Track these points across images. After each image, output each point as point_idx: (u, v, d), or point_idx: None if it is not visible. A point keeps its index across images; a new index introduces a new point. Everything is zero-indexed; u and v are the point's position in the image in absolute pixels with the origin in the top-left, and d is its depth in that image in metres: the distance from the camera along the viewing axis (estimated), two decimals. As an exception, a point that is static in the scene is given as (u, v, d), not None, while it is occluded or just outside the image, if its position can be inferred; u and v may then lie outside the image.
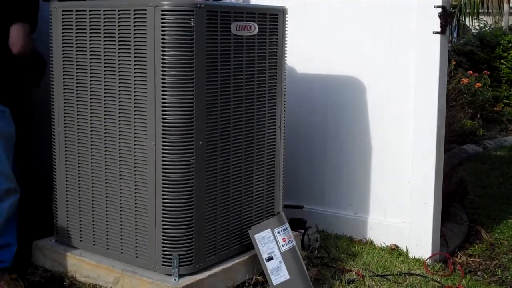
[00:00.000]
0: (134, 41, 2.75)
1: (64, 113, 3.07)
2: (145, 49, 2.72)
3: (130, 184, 2.87)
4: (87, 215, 3.06)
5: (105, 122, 2.91)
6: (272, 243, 3.05)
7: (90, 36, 2.91)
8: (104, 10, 2.84)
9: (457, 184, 4.67)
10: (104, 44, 2.86)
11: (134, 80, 2.78)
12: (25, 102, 3.26)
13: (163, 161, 2.74)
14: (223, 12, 2.82)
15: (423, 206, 3.58)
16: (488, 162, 6.36)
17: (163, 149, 2.73)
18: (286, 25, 3.19)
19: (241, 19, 2.91)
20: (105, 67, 2.88)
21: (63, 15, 3.00)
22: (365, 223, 3.86)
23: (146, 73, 2.73)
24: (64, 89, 3.06)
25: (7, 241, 3.01)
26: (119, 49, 2.81)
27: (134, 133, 2.82)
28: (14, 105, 3.12)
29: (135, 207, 2.86)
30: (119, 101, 2.85)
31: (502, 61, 9.11)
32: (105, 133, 2.92)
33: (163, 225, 2.78)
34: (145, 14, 2.70)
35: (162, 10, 2.65)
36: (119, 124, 2.86)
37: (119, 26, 2.79)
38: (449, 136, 5.77)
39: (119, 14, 2.79)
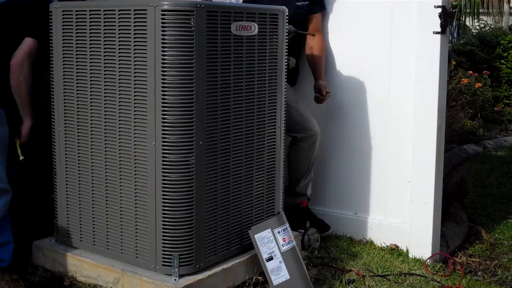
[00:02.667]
0: (134, 41, 2.75)
1: (64, 113, 3.07)
2: (145, 49, 2.72)
3: (130, 184, 2.87)
4: (87, 215, 3.06)
5: (105, 122, 2.91)
6: (272, 243, 3.05)
7: (90, 36, 2.91)
8: (104, 10, 2.84)
9: (457, 184, 4.67)
10: (104, 44, 2.86)
11: (134, 80, 2.78)
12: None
13: (163, 161, 2.74)
14: (223, 12, 2.82)
15: (423, 206, 3.58)
16: (488, 162, 6.36)
17: (163, 149, 2.73)
18: (286, 25, 3.18)
19: (241, 19, 2.91)
20: (105, 67, 2.88)
21: (63, 15, 3.00)
22: (365, 223, 3.86)
23: (146, 73, 2.73)
24: (64, 89, 3.06)
25: (4, 239, 3.00)
26: (119, 49, 2.81)
27: (134, 133, 2.82)
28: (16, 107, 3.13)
29: (135, 207, 2.86)
30: (119, 101, 2.85)
31: (502, 61, 9.11)
32: (105, 133, 2.92)
33: (163, 225, 2.78)
34: (145, 14, 2.70)
35: (162, 10, 2.65)
36: (119, 124, 2.87)
37: (119, 26, 2.79)
38: (449, 136, 5.78)
39: (119, 14, 2.79)
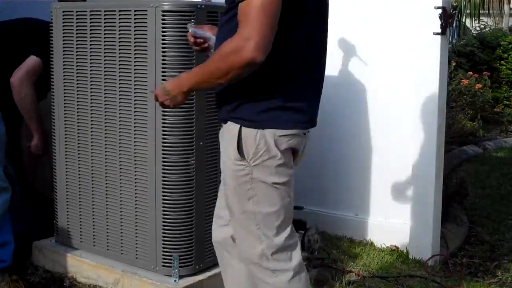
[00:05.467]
0: (135, 42, 2.75)
1: (65, 114, 3.07)
2: (146, 50, 2.72)
3: (130, 185, 2.87)
4: (87, 216, 3.06)
5: (105, 122, 2.91)
6: (272, 244, 3.04)
7: (90, 37, 2.91)
8: (105, 11, 2.84)
9: (457, 185, 4.67)
10: (105, 45, 2.86)
11: (135, 81, 2.78)
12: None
13: (163, 161, 2.74)
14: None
15: (423, 207, 3.58)
16: (488, 163, 6.36)
17: (163, 150, 2.73)
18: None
19: (242, 20, 2.90)
20: (105, 67, 2.88)
21: (63, 15, 3.00)
22: (365, 224, 3.86)
23: (146, 73, 2.73)
24: (64, 89, 3.06)
25: (4, 239, 3.00)
26: (120, 49, 2.81)
27: (135, 134, 2.82)
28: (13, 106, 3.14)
29: (135, 207, 2.86)
30: (120, 102, 2.84)
31: (502, 62, 9.10)
32: (105, 133, 2.92)
33: (163, 226, 2.78)
34: (146, 14, 2.70)
35: (163, 11, 2.65)
36: (120, 124, 2.86)
37: (119, 26, 2.79)
38: (449, 137, 5.78)
39: (119, 15, 2.79)
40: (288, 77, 1.98)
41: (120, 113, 2.85)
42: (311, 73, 2.06)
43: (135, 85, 2.78)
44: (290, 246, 2.11)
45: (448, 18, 3.46)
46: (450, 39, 8.54)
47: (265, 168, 1.99)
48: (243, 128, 1.97)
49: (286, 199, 2.13)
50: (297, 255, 2.11)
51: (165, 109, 2.68)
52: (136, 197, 2.85)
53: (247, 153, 1.98)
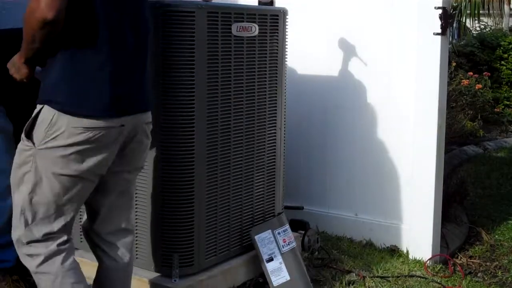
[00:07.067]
0: (135, 42, 2.75)
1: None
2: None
3: (131, 185, 2.86)
4: (87, 216, 3.05)
5: (105, 122, 2.91)
6: (273, 244, 3.05)
7: (90, 37, 2.91)
8: (105, 11, 2.84)
9: (457, 185, 4.67)
10: (105, 45, 2.86)
11: (135, 81, 2.78)
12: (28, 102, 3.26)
13: (163, 161, 2.74)
14: (224, 13, 2.82)
15: (423, 207, 3.58)
16: (488, 163, 6.36)
17: (163, 150, 2.73)
18: (287, 26, 3.19)
19: (242, 20, 2.91)
20: (105, 67, 2.87)
21: (63, 15, 2.99)
22: (366, 224, 3.85)
23: (146, 73, 2.73)
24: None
25: (10, 239, 3.00)
26: (120, 49, 2.80)
27: (135, 134, 2.81)
28: (15, 105, 3.13)
29: (135, 207, 2.86)
30: (120, 102, 2.84)
31: (503, 62, 9.11)
32: (105, 133, 2.92)
33: (163, 225, 2.78)
34: (146, 15, 2.70)
35: (163, 11, 2.65)
36: (120, 124, 2.86)
37: (119, 26, 2.79)
38: (450, 137, 5.78)
39: (119, 15, 2.79)
40: (88, 66, 2.00)
41: (120, 113, 2.85)
42: (118, 61, 2.07)
43: (135, 85, 2.78)
44: (50, 238, 2.15)
45: (448, 18, 3.46)
46: (450, 39, 8.55)
47: (48, 154, 2.02)
48: (44, 107, 2.01)
49: (61, 196, 2.10)
50: (53, 243, 2.15)
51: (166, 109, 2.68)
52: (135, 197, 2.85)
53: (37, 136, 2.03)
